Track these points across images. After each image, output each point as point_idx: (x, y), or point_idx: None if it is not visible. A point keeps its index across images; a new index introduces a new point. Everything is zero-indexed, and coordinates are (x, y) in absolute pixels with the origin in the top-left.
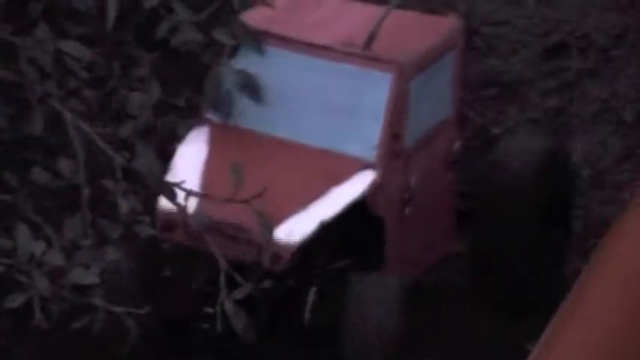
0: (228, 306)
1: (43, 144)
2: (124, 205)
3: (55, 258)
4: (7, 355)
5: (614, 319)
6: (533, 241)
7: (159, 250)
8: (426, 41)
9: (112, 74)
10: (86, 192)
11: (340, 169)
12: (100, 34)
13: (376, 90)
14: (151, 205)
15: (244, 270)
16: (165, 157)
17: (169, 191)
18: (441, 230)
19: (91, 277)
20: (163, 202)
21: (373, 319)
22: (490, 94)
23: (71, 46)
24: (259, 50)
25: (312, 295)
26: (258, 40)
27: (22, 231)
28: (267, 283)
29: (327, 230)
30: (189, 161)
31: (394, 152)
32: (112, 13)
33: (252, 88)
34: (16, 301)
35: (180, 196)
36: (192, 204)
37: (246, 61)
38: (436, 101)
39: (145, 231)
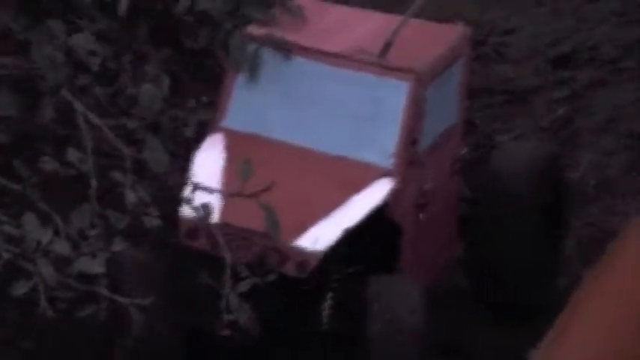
0: (233, 299)
1: (52, 134)
2: (131, 197)
3: (62, 247)
4: (12, 344)
5: (612, 330)
6: (530, 246)
7: (183, 257)
8: (437, 49)
9: (122, 69)
10: (94, 182)
11: (359, 176)
12: (112, 29)
13: (393, 98)
14: (159, 197)
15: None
16: (173, 151)
17: (188, 199)
18: (448, 235)
19: (97, 267)
20: (186, 211)
21: (398, 319)
22: (497, 101)
23: (82, 40)
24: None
25: (329, 299)
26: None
27: (30, 219)
28: (271, 277)
29: (347, 237)
30: (207, 169)
31: (411, 159)
32: (123, 5)
33: (279, 44)
34: (21, 288)
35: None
36: (214, 212)
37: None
38: (445, 108)
39: (151, 222)
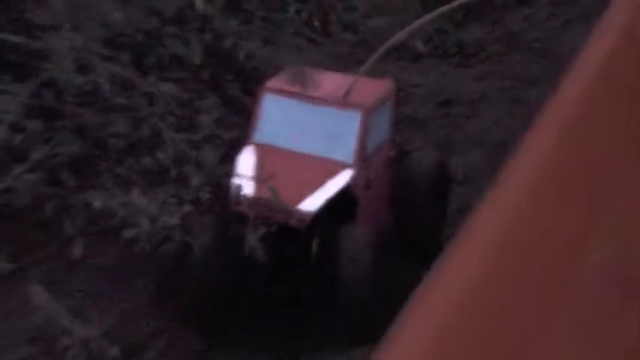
0: (252, 240)
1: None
2: (194, 180)
3: (153, 209)
4: (122, 267)
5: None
6: (428, 211)
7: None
8: (377, 94)
9: (189, 103)
10: (173, 172)
11: (333, 168)
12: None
13: (353, 122)
14: (213, 182)
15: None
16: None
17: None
18: (384, 203)
19: (173, 221)
20: (233, 189)
21: (358, 251)
22: (406, 127)
23: (168, 87)
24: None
25: (316, 242)
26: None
27: (135, 193)
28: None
29: (328, 204)
30: (245, 166)
31: (362, 158)
32: (196, 58)
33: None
34: (130, 234)
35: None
36: (250, 190)
37: (276, 105)
38: (382, 128)
39: (205, 196)
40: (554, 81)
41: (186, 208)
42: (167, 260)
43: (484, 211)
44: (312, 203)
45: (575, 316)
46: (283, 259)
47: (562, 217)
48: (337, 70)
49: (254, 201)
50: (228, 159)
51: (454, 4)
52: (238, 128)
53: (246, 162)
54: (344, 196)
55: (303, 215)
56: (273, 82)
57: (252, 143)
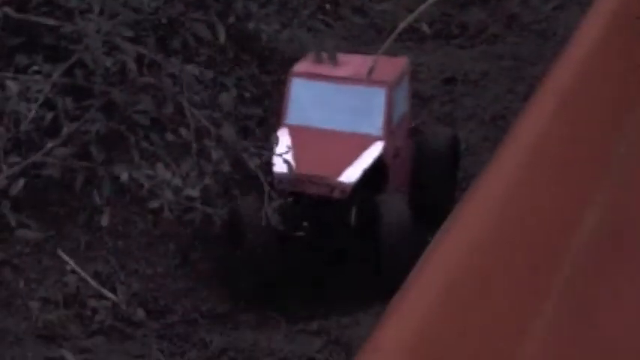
0: (269, 210)
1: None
2: (214, 155)
3: (177, 181)
4: (146, 234)
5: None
6: (444, 180)
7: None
8: (396, 70)
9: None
10: (194, 146)
11: (365, 141)
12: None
13: (378, 98)
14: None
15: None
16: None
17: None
18: (407, 172)
19: (195, 193)
20: (277, 168)
21: (396, 215)
22: (414, 103)
23: (193, 70)
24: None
25: (354, 211)
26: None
27: (160, 166)
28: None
29: (364, 174)
30: (283, 146)
31: (389, 130)
32: (222, 37)
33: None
34: (155, 204)
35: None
36: (292, 168)
37: (304, 88)
38: (402, 101)
39: (225, 168)
40: (551, 59)
41: (207, 180)
42: (190, 228)
43: (484, 183)
44: (351, 175)
45: (567, 279)
46: (323, 229)
47: (558, 187)
48: (350, 51)
49: (297, 178)
50: (248, 134)
51: None
52: (257, 106)
53: (281, 143)
54: (376, 167)
55: (344, 186)
56: (299, 67)
57: (285, 125)
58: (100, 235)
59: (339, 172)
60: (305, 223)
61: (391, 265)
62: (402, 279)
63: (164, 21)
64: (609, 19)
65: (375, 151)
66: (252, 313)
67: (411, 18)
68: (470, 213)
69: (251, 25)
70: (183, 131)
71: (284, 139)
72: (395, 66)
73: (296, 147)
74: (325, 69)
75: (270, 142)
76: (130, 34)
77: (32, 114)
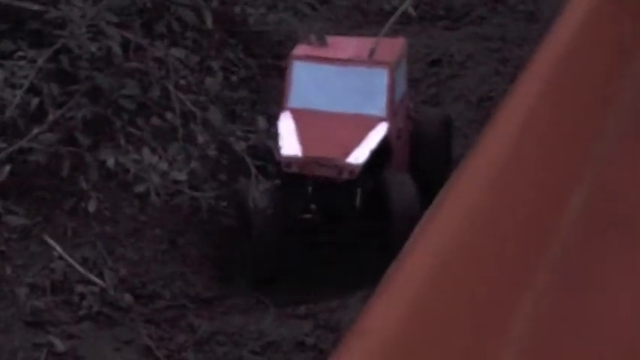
0: (256, 194)
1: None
2: (200, 138)
3: (163, 165)
4: (134, 219)
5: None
6: (438, 154)
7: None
8: (396, 51)
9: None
10: (181, 131)
11: (369, 123)
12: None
13: (381, 78)
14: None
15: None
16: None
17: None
18: (407, 150)
19: (182, 176)
20: (285, 151)
21: (405, 192)
22: None
23: (179, 53)
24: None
25: (360, 192)
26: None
27: (146, 151)
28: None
29: (370, 154)
30: (287, 129)
31: (392, 111)
32: (208, 21)
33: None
34: (140, 188)
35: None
36: (297, 150)
37: (306, 71)
38: (401, 83)
39: (212, 152)
40: (537, 41)
41: (194, 164)
42: (177, 213)
43: (471, 164)
44: (359, 156)
45: (556, 257)
46: (330, 212)
47: (546, 167)
48: (338, 34)
49: (304, 160)
50: (234, 118)
51: None
52: (243, 89)
53: (285, 126)
54: (381, 148)
55: (353, 167)
56: (299, 50)
57: (288, 109)
58: (87, 221)
59: (347, 153)
60: (313, 206)
61: (402, 242)
62: None
63: (149, 5)
64: (591, 4)
65: (380, 132)
66: (241, 297)
67: (409, 1)
68: (458, 194)
69: (237, 9)
70: (169, 115)
71: (287, 123)
72: (394, 47)
73: (300, 130)
74: (326, 51)
75: (258, 126)
76: (115, 19)
77: (17, 100)
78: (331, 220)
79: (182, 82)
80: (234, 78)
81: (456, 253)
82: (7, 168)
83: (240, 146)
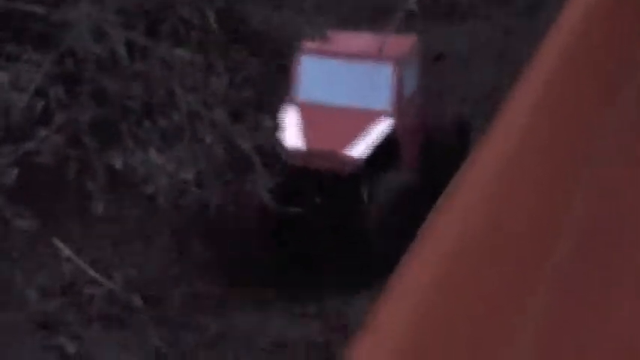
0: (260, 189)
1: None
2: (208, 139)
3: (170, 166)
4: (142, 220)
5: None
6: (454, 152)
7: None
8: (406, 48)
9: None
10: (187, 134)
11: (374, 117)
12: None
13: (387, 74)
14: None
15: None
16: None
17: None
18: (418, 147)
19: (189, 176)
20: (289, 143)
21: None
22: None
23: (181, 53)
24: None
25: (365, 187)
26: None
27: (153, 152)
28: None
29: (375, 149)
30: (292, 123)
31: (400, 107)
32: (211, 23)
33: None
34: (149, 189)
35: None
36: (301, 143)
37: (313, 65)
38: (412, 80)
39: (218, 152)
40: (539, 38)
41: (201, 164)
42: (185, 213)
43: (473, 167)
44: (362, 150)
45: (561, 256)
46: (332, 206)
47: (546, 171)
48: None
49: (308, 153)
50: (239, 117)
51: None
52: (248, 89)
53: (290, 120)
54: (387, 142)
55: (355, 161)
56: (307, 44)
57: (294, 102)
58: (94, 223)
59: (350, 147)
60: (318, 200)
61: (382, 244)
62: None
63: (153, 6)
64: (592, 2)
65: (385, 127)
66: (249, 297)
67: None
68: (464, 193)
69: (240, 8)
70: (175, 116)
71: (292, 116)
72: (404, 44)
73: (305, 123)
74: (334, 46)
75: (264, 124)
76: (119, 20)
77: (23, 103)
78: (333, 215)
79: (187, 82)
80: (238, 78)
81: (462, 250)
82: (15, 171)
83: (246, 145)
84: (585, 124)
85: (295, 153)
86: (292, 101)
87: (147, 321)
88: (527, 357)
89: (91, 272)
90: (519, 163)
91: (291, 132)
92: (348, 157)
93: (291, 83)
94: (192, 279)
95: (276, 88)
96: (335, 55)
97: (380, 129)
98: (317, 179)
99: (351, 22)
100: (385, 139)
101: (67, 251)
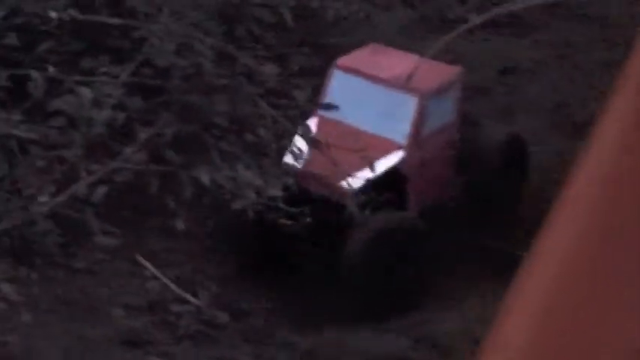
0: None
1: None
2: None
3: (257, 181)
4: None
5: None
6: (498, 184)
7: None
8: (441, 78)
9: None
10: (274, 146)
11: (386, 147)
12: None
13: (410, 105)
14: None
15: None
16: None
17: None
18: (441, 183)
19: (276, 192)
20: (287, 159)
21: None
22: (471, 95)
23: (268, 68)
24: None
25: (363, 218)
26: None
27: (241, 167)
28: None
29: (372, 182)
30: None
31: (417, 141)
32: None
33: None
34: (238, 205)
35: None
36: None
37: (343, 82)
38: (444, 111)
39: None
40: (602, 46)
41: (289, 179)
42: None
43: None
44: (356, 181)
45: None
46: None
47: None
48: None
49: (302, 173)
50: None
51: None
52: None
53: (306, 134)
54: (393, 176)
55: (345, 191)
56: (344, 59)
57: (316, 115)
58: (177, 239)
59: (346, 175)
60: (308, 219)
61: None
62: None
63: (230, 11)
64: None
65: (392, 159)
66: (333, 312)
67: (478, 19)
68: (574, 203)
69: (315, 4)
70: (261, 131)
71: (312, 131)
72: (442, 74)
73: (318, 140)
74: (369, 66)
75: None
76: (200, 34)
77: (104, 118)
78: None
79: (272, 98)
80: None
81: (581, 262)
82: (104, 189)
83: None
84: None
85: (291, 170)
86: (314, 114)
87: (235, 337)
88: None
89: (177, 289)
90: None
91: (297, 147)
92: (340, 187)
93: (320, 96)
94: (275, 294)
95: None
96: (365, 75)
97: (386, 162)
98: (311, 199)
99: (408, 33)
100: (392, 174)
101: (151, 268)
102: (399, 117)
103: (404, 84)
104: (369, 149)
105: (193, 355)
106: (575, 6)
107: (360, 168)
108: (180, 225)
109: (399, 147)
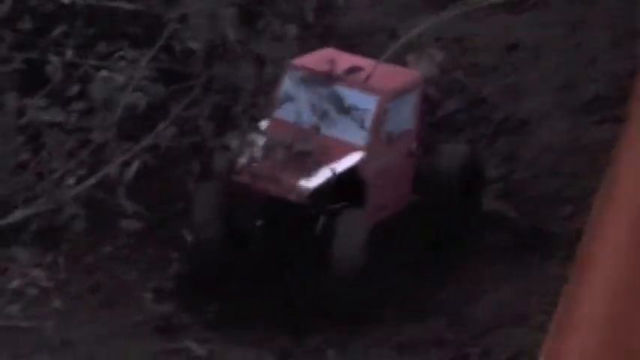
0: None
1: None
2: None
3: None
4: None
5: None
6: (452, 206)
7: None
8: (400, 82)
9: None
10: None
11: (344, 149)
12: None
13: (370, 105)
14: None
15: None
16: None
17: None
18: (402, 191)
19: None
20: (241, 159)
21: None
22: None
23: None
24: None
25: (322, 220)
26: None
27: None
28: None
29: (332, 184)
30: (259, 139)
31: (376, 144)
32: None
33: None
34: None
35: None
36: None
37: (297, 83)
38: (403, 117)
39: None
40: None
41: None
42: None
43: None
44: (313, 180)
45: None
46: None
47: None
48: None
49: (257, 173)
50: None
51: None
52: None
53: (259, 135)
54: (352, 178)
55: (302, 191)
56: (300, 59)
57: (271, 118)
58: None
59: (302, 175)
60: (259, 223)
61: (338, 280)
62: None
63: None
64: None
65: (350, 160)
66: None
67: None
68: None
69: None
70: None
71: (263, 132)
72: (400, 77)
73: (273, 141)
74: (326, 66)
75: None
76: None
77: (133, 100)
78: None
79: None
80: None
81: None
82: (135, 166)
83: None
84: None
85: (242, 169)
86: (269, 117)
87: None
88: None
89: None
90: None
91: (250, 148)
92: (296, 186)
93: (273, 98)
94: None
95: None
96: (321, 76)
97: (344, 163)
98: (264, 202)
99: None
100: (347, 173)
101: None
102: (357, 118)
103: (363, 84)
104: (326, 151)
105: (226, 338)
106: None
107: (315, 168)
108: None
109: (358, 148)
